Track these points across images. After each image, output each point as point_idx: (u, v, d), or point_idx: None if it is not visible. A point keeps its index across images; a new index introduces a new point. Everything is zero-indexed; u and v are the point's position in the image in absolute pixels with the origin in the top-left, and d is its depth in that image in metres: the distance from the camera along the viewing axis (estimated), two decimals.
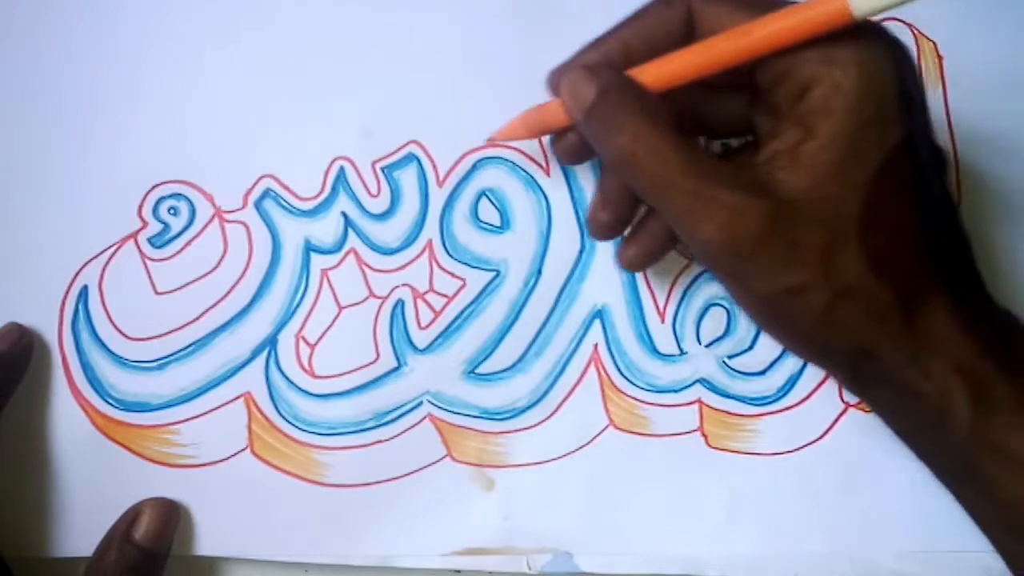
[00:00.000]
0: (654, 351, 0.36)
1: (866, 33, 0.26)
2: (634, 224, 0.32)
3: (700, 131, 0.32)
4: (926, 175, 0.27)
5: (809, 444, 0.36)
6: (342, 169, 0.36)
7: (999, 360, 0.26)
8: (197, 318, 0.35)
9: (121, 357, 0.35)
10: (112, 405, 0.34)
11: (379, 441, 0.35)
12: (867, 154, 0.25)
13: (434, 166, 0.36)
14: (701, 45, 0.27)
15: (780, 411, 0.36)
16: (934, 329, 0.26)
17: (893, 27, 0.37)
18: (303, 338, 0.35)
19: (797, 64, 0.26)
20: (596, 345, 0.36)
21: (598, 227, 0.31)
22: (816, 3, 0.25)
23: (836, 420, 0.36)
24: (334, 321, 0.35)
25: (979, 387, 0.25)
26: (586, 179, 0.36)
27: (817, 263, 0.25)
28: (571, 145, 0.31)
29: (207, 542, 0.34)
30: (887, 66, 0.25)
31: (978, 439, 0.25)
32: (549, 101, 0.31)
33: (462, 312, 0.36)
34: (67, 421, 0.34)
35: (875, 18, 0.37)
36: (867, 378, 0.27)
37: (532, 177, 0.36)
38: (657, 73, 0.28)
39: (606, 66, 0.28)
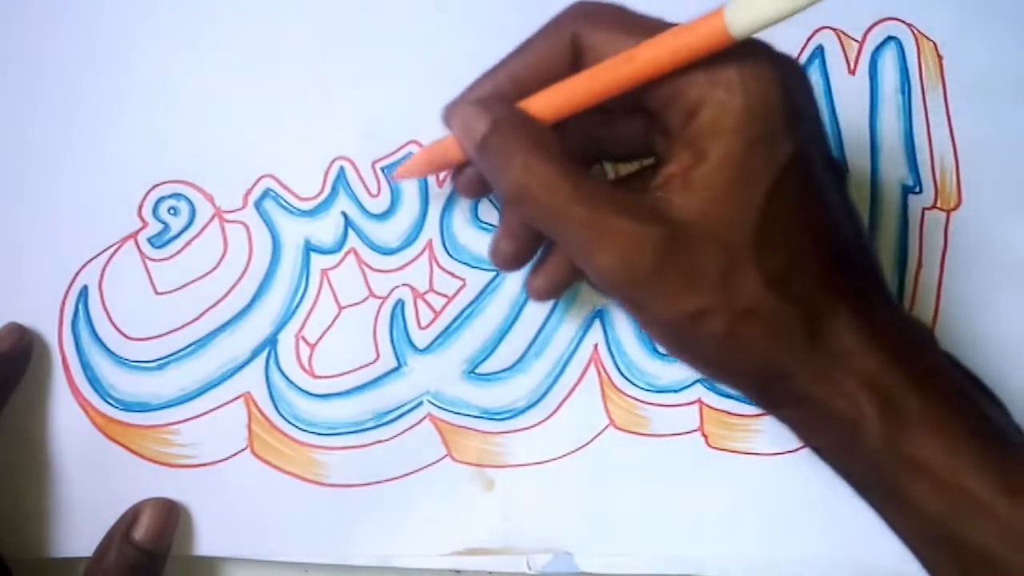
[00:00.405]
0: (654, 351, 0.36)
1: (750, 51, 0.25)
2: (540, 254, 0.32)
3: (601, 155, 0.32)
4: (822, 188, 0.27)
5: None
6: (342, 169, 0.36)
7: (906, 371, 0.26)
8: (197, 318, 0.35)
9: (121, 357, 0.35)
10: (112, 405, 0.34)
11: (379, 441, 0.35)
12: (758, 174, 0.25)
13: None
14: (587, 74, 0.27)
15: None
16: (840, 344, 0.26)
17: (893, 27, 0.38)
18: (303, 338, 0.35)
19: (684, 87, 0.26)
20: (596, 345, 0.36)
21: (502, 259, 0.31)
22: (696, 26, 0.25)
23: None
24: (334, 321, 0.35)
25: (887, 400, 0.25)
26: None
27: (715, 286, 0.25)
28: (470, 180, 0.31)
29: (207, 542, 0.34)
30: (772, 84, 0.25)
31: (890, 452, 0.25)
32: (447, 136, 0.30)
33: (462, 312, 0.36)
34: (67, 421, 0.34)
35: (876, 19, 0.38)
36: (777, 397, 0.27)
37: None
38: (546, 104, 0.28)
39: (497, 99, 0.28)
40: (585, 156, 0.32)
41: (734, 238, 0.25)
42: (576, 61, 0.27)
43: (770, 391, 0.27)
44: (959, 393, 0.26)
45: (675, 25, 0.26)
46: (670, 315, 0.26)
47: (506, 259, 0.31)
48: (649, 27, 0.26)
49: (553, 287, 0.32)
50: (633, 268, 0.25)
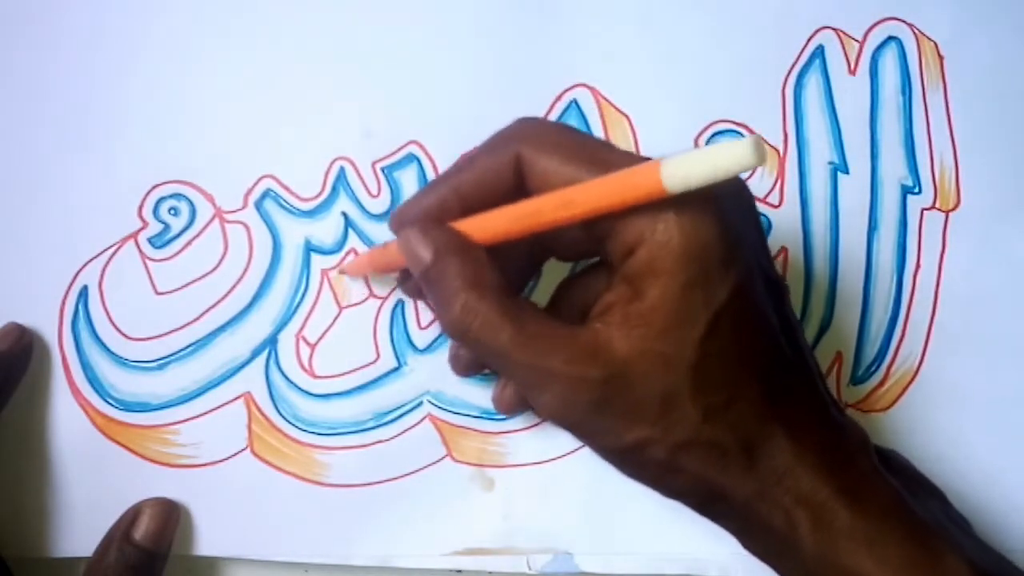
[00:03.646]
0: None
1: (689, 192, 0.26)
2: None
3: (549, 255, 0.32)
4: (761, 316, 0.27)
5: None
6: (342, 169, 0.36)
7: (838, 485, 0.27)
8: (197, 318, 0.35)
9: (121, 357, 0.35)
10: (112, 405, 0.34)
11: (379, 441, 0.35)
12: (695, 315, 0.26)
13: (434, 166, 0.36)
14: (527, 208, 0.27)
15: None
16: (776, 465, 0.27)
17: (894, 27, 0.38)
18: (303, 338, 0.35)
19: (622, 224, 0.26)
20: None
21: (460, 365, 0.33)
22: (633, 175, 0.25)
23: None
24: (334, 321, 0.35)
25: (820, 515, 0.27)
26: None
27: (654, 421, 0.26)
28: (414, 287, 0.32)
29: (207, 542, 0.34)
30: (710, 224, 0.25)
31: (823, 562, 0.27)
32: (393, 242, 0.30)
33: None
34: (67, 421, 0.34)
35: (876, 19, 0.38)
36: (718, 513, 0.29)
37: None
38: (486, 228, 0.28)
39: (438, 225, 0.28)
40: (532, 257, 0.32)
41: (671, 376, 0.26)
42: (519, 179, 0.28)
43: (712, 509, 0.29)
44: (890, 502, 0.28)
45: (615, 152, 0.26)
46: (611, 447, 0.28)
47: (464, 366, 0.33)
48: (591, 154, 0.26)
49: (520, 401, 0.32)
50: (574, 408, 0.27)
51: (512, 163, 0.27)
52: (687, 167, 0.23)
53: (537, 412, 0.28)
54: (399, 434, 0.35)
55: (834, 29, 0.38)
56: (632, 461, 0.28)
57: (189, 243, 0.35)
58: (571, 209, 0.26)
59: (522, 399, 0.32)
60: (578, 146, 0.27)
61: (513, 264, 0.30)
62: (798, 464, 0.27)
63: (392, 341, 0.35)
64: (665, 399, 0.26)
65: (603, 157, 0.26)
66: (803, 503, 0.27)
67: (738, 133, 0.37)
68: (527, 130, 0.28)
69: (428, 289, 0.28)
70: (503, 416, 0.35)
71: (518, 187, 0.28)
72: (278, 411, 0.35)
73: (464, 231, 0.28)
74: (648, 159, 0.25)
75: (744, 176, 0.37)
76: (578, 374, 0.26)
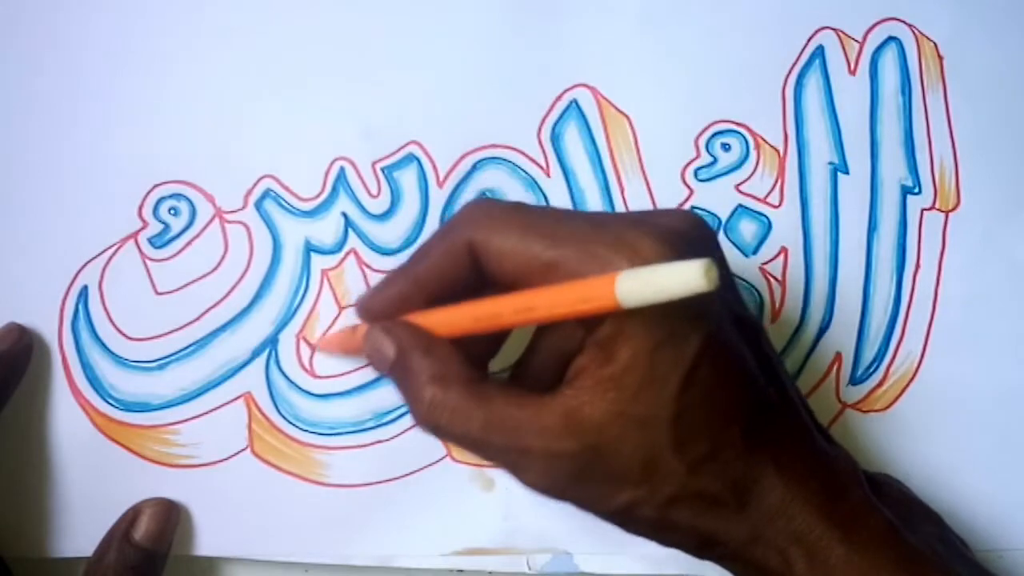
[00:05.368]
0: None
1: None
2: None
3: None
4: (736, 358, 0.27)
5: None
6: (342, 169, 0.36)
7: (831, 520, 0.27)
8: (197, 318, 0.35)
9: (121, 357, 0.35)
10: (112, 405, 0.34)
11: (379, 441, 0.35)
12: (668, 372, 0.25)
13: (434, 166, 0.36)
14: (487, 310, 0.27)
15: None
16: (768, 505, 0.27)
17: (894, 27, 0.38)
18: (303, 338, 0.35)
19: None
20: None
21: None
22: (589, 288, 0.25)
23: (833, 420, 0.36)
24: (334, 321, 0.35)
25: (815, 552, 0.27)
26: (587, 179, 0.36)
27: (638, 482, 0.26)
28: None
29: (207, 542, 0.34)
30: None
31: None
32: (361, 325, 0.30)
33: None
34: (67, 421, 0.34)
35: (876, 19, 0.38)
36: (715, 556, 0.29)
37: (532, 178, 0.36)
38: (449, 324, 0.28)
39: (400, 323, 0.28)
40: None
41: (650, 435, 0.26)
42: (475, 262, 0.28)
43: (707, 553, 0.28)
44: (882, 533, 0.28)
45: (571, 224, 0.26)
46: (601, 511, 0.28)
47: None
48: (543, 227, 0.26)
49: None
50: (555, 482, 0.27)
51: (465, 249, 0.27)
52: (641, 286, 0.23)
53: (524, 486, 0.28)
54: (399, 434, 0.35)
55: (834, 29, 0.38)
56: (624, 522, 0.28)
57: (189, 243, 0.35)
58: (530, 314, 0.26)
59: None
60: (528, 224, 0.27)
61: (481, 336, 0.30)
62: (790, 502, 0.27)
63: None
64: (646, 460, 0.26)
65: (555, 233, 0.26)
66: (797, 541, 0.27)
67: (738, 133, 0.37)
68: (476, 214, 0.28)
69: (396, 384, 0.29)
70: None
71: (475, 270, 0.28)
72: (278, 411, 0.35)
73: (426, 326, 0.28)
74: (605, 220, 0.26)
75: (742, 181, 0.37)
76: (554, 449, 0.26)
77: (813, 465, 0.28)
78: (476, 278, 0.28)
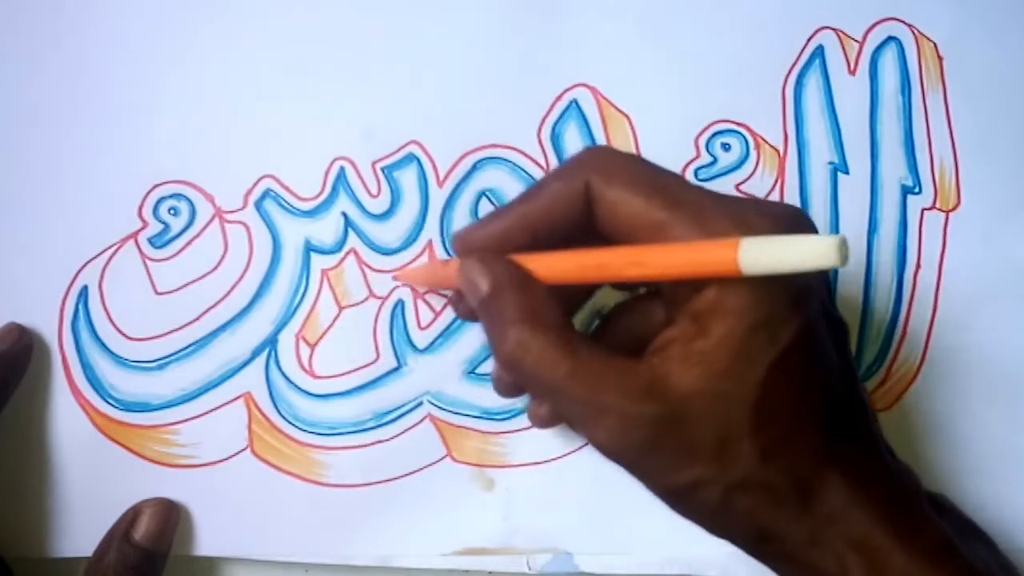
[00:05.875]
0: None
1: None
2: None
3: (605, 282, 0.31)
4: (823, 356, 0.27)
5: None
6: (342, 169, 0.36)
7: (892, 530, 0.26)
8: (197, 318, 0.35)
9: (121, 357, 0.35)
10: (112, 405, 0.34)
11: (379, 441, 0.35)
12: (758, 355, 0.25)
13: (434, 166, 0.36)
14: (595, 259, 0.27)
15: None
16: (831, 508, 0.26)
17: (894, 27, 0.38)
18: (303, 338, 0.35)
19: None
20: None
21: (502, 387, 0.32)
22: (708, 249, 0.24)
23: None
24: (334, 321, 0.35)
25: (874, 560, 0.26)
26: None
27: (710, 459, 0.26)
28: (466, 310, 0.31)
29: (207, 542, 0.34)
30: None
31: None
32: (453, 260, 0.30)
33: None
34: (67, 421, 0.34)
35: (876, 19, 0.38)
36: (769, 555, 0.28)
37: (532, 178, 0.36)
38: (550, 268, 0.28)
39: (498, 258, 0.28)
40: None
41: (731, 413, 0.25)
42: (588, 207, 0.27)
43: (763, 550, 0.28)
44: (942, 548, 0.27)
45: (687, 190, 0.26)
46: (664, 486, 0.27)
47: (506, 387, 0.32)
48: (662, 189, 0.26)
49: (555, 417, 0.32)
50: (627, 445, 0.26)
51: (582, 192, 0.27)
52: (767, 252, 0.23)
53: (590, 442, 0.27)
54: (399, 434, 0.35)
55: (834, 29, 0.38)
56: (685, 501, 0.27)
57: (189, 243, 0.35)
58: (639, 269, 0.26)
59: (556, 415, 0.31)
60: (649, 179, 0.27)
61: (566, 288, 0.29)
62: (853, 507, 0.26)
63: (392, 341, 0.35)
64: (722, 438, 0.26)
65: (674, 194, 0.26)
66: (856, 548, 0.26)
67: (738, 133, 0.37)
68: (598, 158, 0.28)
69: (484, 320, 0.28)
70: (503, 416, 0.35)
71: (586, 216, 0.27)
72: (278, 411, 0.35)
73: (527, 267, 0.28)
74: (721, 196, 0.26)
75: (742, 180, 0.37)
76: (633, 410, 0.25)
77: (878, 474, 0.28)
78: (582, 227, 0.27)
